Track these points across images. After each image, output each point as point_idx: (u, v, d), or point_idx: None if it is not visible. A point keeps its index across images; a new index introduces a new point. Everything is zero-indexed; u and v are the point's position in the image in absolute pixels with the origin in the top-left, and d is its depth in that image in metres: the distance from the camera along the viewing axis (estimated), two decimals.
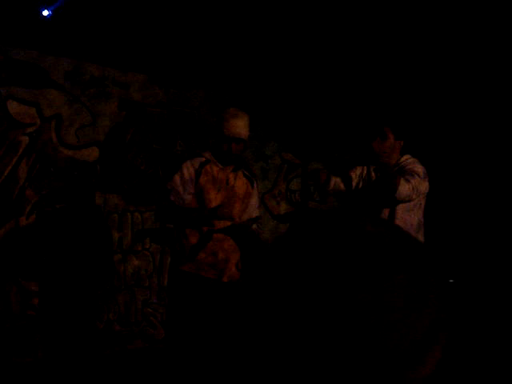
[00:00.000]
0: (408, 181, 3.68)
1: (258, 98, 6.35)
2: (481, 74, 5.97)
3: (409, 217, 3.83)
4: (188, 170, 3.81)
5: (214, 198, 3.78)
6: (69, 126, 5.19)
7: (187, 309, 3.68)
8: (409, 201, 3.75)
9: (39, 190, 5.01)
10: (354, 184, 4.08)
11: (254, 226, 3.95)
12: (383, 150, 3.87)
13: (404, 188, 3.64)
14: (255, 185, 4.06)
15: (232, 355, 3.64)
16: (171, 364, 3.70)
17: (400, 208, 3.81)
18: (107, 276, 5.32)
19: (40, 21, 4.88)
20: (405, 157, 3.97)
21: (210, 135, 3.98)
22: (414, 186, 3.68)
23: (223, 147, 3.77)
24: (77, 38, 5.12)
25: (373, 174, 4.01)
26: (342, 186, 4.11)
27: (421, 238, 3.90)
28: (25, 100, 4.98)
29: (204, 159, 3.84)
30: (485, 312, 5.41)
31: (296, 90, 6.51)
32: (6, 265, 4.89)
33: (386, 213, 3.84)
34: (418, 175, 3.76)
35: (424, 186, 3.79)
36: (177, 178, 3.80)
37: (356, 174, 4.12)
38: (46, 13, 4.84)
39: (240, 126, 3.81)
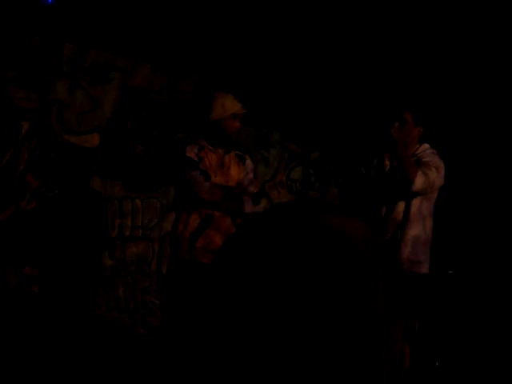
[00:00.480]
0: (426, 174, 3.58)
1: (260, 86, 6.32)
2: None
3: (422, 207, 3.75)
4: (193, 152, 3.85)
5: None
6: (70, 111, 5.17)
7: (187, 297, 3.69)
8: (423, 194, 3.68)
9: (40, 176, 5.00)
10: (362, 174, 4.00)
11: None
12: (402, 137, 3.69)
13: (421, 181, 3.56)
14: (247, 161, 4.10)
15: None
16: (170, 351, 3.71)
17: (415, 199, 3.72)
18: (104, 263, 5.32)
19: (43, 6, 4.84)
20: (424, 146, 3.84)
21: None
22: (431, 181, 3.60)
23: (230, 126, 3.84)
24: (79, 24, 5.08)
25: (387, 162, 3.87)
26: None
27: (430, 225, 3.84)
28: (26, 85, 4.96)
29: (198, 145, 3.89)
30: (484, 302, 5.41)
31: (299, 77, 6.47)
32: (6, 250, 4.88)
33: (400, 203, 3.74)
34: (436, 169, 3.66)
35: (440, 181, 3.71)
36: (191, 152, 3.84)
37: (368, 162, 4.02)
38: None
39: (235, 101, 3.97)
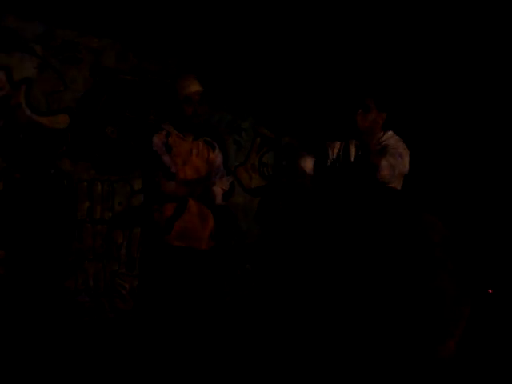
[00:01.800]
0: (390, 161, 3.53)
1: (232, 70, 6.28)
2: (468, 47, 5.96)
3: None
4: (161, 142, 3.77)
5: (183, 171, 3.76)
6: (39, 91, 5.06)
7: (167, 281, 3.66)
8: (388, 182, 3.59)
9: (8, 157, 4.90)
10: (329, 161, 3.97)
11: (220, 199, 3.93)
12: (366, 124, 3.68)
13: (386, 170, 3.49)
14: (216, 150, 4.05)
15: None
16: (141, 335, 3.69)
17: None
18: (73, 246, 5.27)
19: None
20: (388, 133, 3.81)
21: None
22: (396, 169, 3.56)
23: (187, 110, 3.76)
24: (50, 2, 4.97)
25: (352, 150, 3.83)
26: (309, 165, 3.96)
27: None
28: None
29: (166, 132, 3.82)
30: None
31: (271, 62, 6.45)
32: None
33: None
34: (401, 157, 3.63)
35: (404, 169, 3.67)
36: (159, 143, 3.76)
37: (333, 150, 3.94)
38: None
39: (197, 84, 3.84)
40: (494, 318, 5.07)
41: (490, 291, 5.51)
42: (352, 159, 3.83)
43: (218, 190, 3.90)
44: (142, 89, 5.74)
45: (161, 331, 3.66)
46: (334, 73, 6.46)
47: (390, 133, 3.81)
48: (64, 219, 5.19)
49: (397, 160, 3.59)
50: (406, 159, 3.68)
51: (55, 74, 5.15)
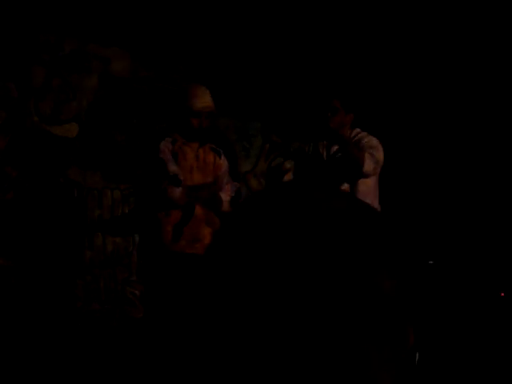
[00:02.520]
0: (372, 155, 3.68)
1: (241, 76, 6.29)
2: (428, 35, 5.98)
3: (367, 188, 3.82)
4: (168, 149, 3.78)
5: (190, 178, 3.77)
6: (48, 100, 5.09)
7: (173, 288, 3.66)
8: (373, 174, 3.76)
9: (18, 166, 4.92)
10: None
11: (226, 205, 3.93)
12: (334, 125, 3.81)
13: (370, 163, 3.64)
14: (222, 157, 4.05)
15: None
16: (151, 343, 3.70)
17: (359, 184, 3.81)
18: (84, 254, 5.28)
19: None
20: (355, 130, 3.93)
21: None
22: (377, 160, 3.69)
23: (193, 123, 3.76)
24: (59, 11, 5.00)
25: (321, 150, 3.98)
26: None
27: (377, 204, 3.89)
28: (4, 74, 4.87)
29: (172, 139, 3.82)
30: (464, 292, 5.47)
31: (279, 67, 6.45)
32: None
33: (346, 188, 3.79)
34: (377, 148, 3.76)
35: (383, 158, 3.80)
36: (166, 150, 3.76)
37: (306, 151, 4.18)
38: None
39: (208, 99, 3.83)
40: (506, 320, 5.04)
41: (502, 294, 5.49)
42: (325, 159, 3.93)
43: (225, 197, 3.90)
44: (149, 97, 5.76)
45: (171, 338, 3.66)
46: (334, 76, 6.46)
47: (358, 129, 3.96)
48: (74, 228, 5.21)
49: (377, 151, 3.74)
50: (382, 151, 3.82)
51: (64, 84, 5.18)
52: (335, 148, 3.92)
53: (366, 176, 3.73)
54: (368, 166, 3.64)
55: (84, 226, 5.30)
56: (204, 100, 3.83)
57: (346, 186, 3.80)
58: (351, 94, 4.05)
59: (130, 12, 5.56)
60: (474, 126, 6.00)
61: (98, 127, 5.40)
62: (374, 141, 3.82)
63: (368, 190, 3.81)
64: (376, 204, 3.83)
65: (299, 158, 4.17)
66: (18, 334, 4.65)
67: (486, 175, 6.00)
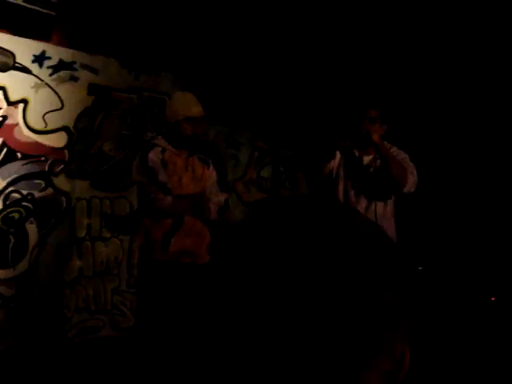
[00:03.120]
0: (413, 175, 3.53)
1: (229, 84, 6.30)
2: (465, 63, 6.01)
3: (389, 207, 3.71)
4: (158, 158, 3.77)
5: (179, 188, 3.76)
6: (36, 110, 5.07)
7: (166, 298, 3.65)
8: (410, 193, 3.61)
9: (6, 176, 4.90)
10: (332, 173, 3.87)
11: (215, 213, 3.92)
12: (377, 137, 3.64)
13: (412, 181, 3.50)
14: (211, 167, 4.06)
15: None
16: (143, 352, 3.68)
17: (390, 199, 3.69)
18: (73, 264, 5.25)
19: (8, 2, 4.74)
20: (393, 147, 3.78)
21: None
22: (417, 179, 3.55)
23: (187, 129, 3.76)
24: (45, 20, 4.99)
25: (366, 159, 3.78)
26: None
27: (393, 224, 3.79)
28: None
29: (161, 148, 3.81)
30: (453, 299, 5.48)
31: (267, 75, 6.47)
32: None
33: (363, 204, 3.68)
34: (413, 166, 3.62)
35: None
36: (155, 159, 3.75)
37: (332, 167, 3.88)
38: None
39: (200, 105, 3.86)
40: (496, 324, 5.06)
41: (492, 299, 5.51)
42: (364, 167, 3.77)
43: (213, 207, 3.90)
44: (138, 105, 5.75)
45: (162, 347, 3.64)
46: (329, 85, 6.49)
47: (387, 143, 3.79)
48: (63, 237, 5.18)
49: (414, 170, 3.59)
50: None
51: (52, 93, 5.16)
52: (378, 163, 3.73)
53: (405, 194, 3.60)
54: (410, 184, 3.50)
55: (73, 235, 5.27)
56: (198, 106, 3.87)
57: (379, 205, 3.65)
58: (386, 104, 3.92)
59: (119, 21, 5.56)
60: (466, 133, 6.04)
61: (86, 136, 5.39)
62: (407, 159, 3.68)
63: (389, 211, 3.69)
64: (389, 226, 3.71)
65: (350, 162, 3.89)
66: (6, 342, 4.62)
67: (474, 180, 6.04)
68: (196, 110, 3.84)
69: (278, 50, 6.38)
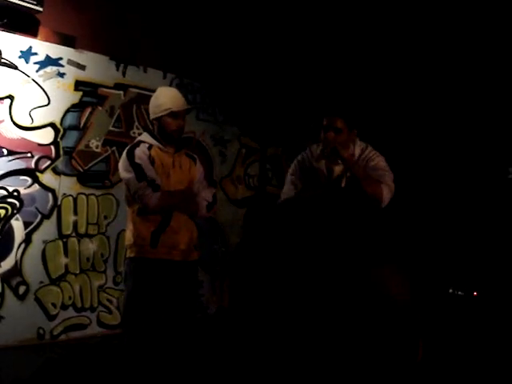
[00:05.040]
0: (388, 185, 3.40)
1: (216, 81, 6.30)
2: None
3: None
4: (145, 154, 3.76)
5: (167, 184, 3.75)
6: (22, 106, 5.04)
7: (155, 296, 3.64)
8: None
9: None
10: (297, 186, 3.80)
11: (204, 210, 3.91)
12: (338, 141, 3.50)
13: (388, 195, 3.36)
14: (197, 163, 4.06)
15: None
16: (130, 350, 3.67)
17: None
18: (59, 261, 5.23)
19: None
20: (359, 145, 3.65)
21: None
22: (392, 188, 3.42)
23: (172, 125, 3.75)
24: (32, 16, 4.96)
25: (323, 165, 3.66)
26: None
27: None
28: None
29: (148, 144, 3.80)
30: (437, 293, 5.53)
31: (255, 73, 6.48)
32: None
33: None
34: (387, 171, 3.49)
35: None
36: (143, 156, 3.73)
37: (298, 176, 3.84)
38: None
39: (181, 98, 3.86)
40: (479, 320, 5.11)
41: (475, 294, 5.56)
42: (335, 177, 3.66)
43: (202, 202, 3.89)
44: (125, 101, 5.73)
45: (149, 344, 3.64)
46: (313, 84, 6.51)
47: (361, 144, 3.67)
48: (49, 234, 5.16)
49: (389, 177, 3.46)
50: (390, 171, 3.56)
51: (39, 89, 5.13)
52: (349, 173, 3.54)
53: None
54: (386, 199, 3.34)
55: (59, 232, 5.24)
56: (182, 99, 3.88)
57: None
58: (352, 110, 3.73)
59: (106, 16, 5.54)
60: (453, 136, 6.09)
61: (74, 133, 5.36)
62: (382, 162, 3.53)
63: None
64: None
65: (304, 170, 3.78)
66: None
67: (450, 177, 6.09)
68: (181, 103, 3.85)
69: (266, 48, 6.39)
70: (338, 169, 3.66)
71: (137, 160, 3.69)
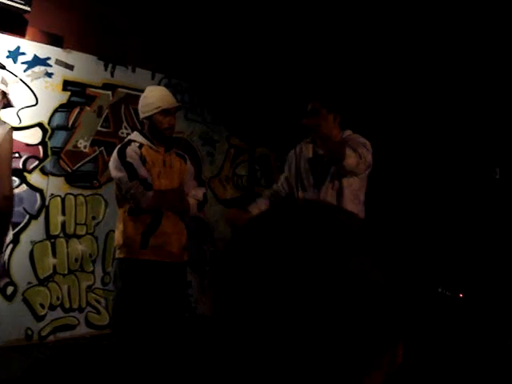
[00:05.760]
0: (354, 150, 3.40)
1: (205, 81, 6.30)
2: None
3: (356, 200, 3.60)
4: (136, 153, 3.75)
5: (158, 183, 3.74)
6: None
7: (145, 296, 3.64)
8: (357, 172, 3.51)
9: None
10: (291, 172, 3.86)
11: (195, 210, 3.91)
12: (310, 123, 3.56)
13: (351, 156, 3.36)
14: (188, 162, 4.06)
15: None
16: (119, 350, 3.67)
17: (347, 191, 3.57)
18: (47, 261, 5.21)
19: None
20: (346, 132, 3.74)
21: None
22: (362, 155, 3.42)
23: (163, 123, 3.75)
24: (20, 15, 4.94)
25: (309, 148, 3.77)
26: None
27: (362, 212, 3.74)
28: None
29: (138, 143, 3.80)
30: (421, 294, 5.56)
31: (243, 73, 6.48)
32: None
33: (333, 196, 3.59)
34: (364, 146, 3.51)
35: (370, 157, 3.54)
36: (134, 155, 3.72)
37: (289, 162, 3.90)
38: None
39: (170, 96, 3.87)
40: (464, 322, 5.15)
41: (460, 295, 5.59)
42: (311, 156, 3.76)
43: (193, 201, 3.89)
44: (113, 101, 5.73)
45: (138, 344, 3.64)
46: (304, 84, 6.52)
47: (348, 131, 3.76)
48: (37, 234, 5.14)
49: (362, 148, 3.47)
50: (370, 149, 3.57)
51: (26, 89, 5.11)
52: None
53: (351, 172, 3.48)
54: (350, 159, 3.34)
55: (47, 232, 5.23)
56: (171, 97, 3.88)
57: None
58: (332, 94, 3.80)
59: (95, 16, 5.52)
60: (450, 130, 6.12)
61: (62, 133, 5.34)
62: (362, 139, 3.59)
63: (353, 199, 3.57)
64: (361, 207, 3.63)
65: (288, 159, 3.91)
66: None
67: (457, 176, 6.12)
68: (171, 100, 3.85)
69: (255, 48, 6.40)
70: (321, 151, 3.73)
71: (128, 159, 3.68)
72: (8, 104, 3.89)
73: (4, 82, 3.88)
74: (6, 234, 3.72)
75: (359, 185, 3.66)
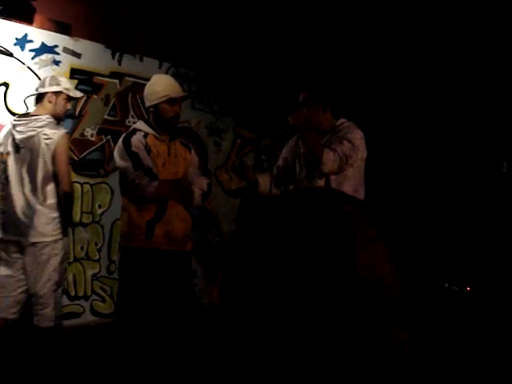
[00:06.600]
0: (334, 150, 3.39)
1: (212, 71, 6.28)
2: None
3: (343, 187, 3.50)
4: (141, 143, 3.75)
5: (163, 173, 3.74)
6: (17, 94, 5.01)
7: (149, 286, 3.64)
8: (339, 172, 3.48)
9: None
10: (288, 160, 3.89)
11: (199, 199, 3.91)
12: (301, 120, 3.53)
13: (329, 158, 3.35)
14: (192, 151, 4.05)
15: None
16: (123, 338, 3.69)
17: (334, 179, 3.52)
18: None
19: None
20: (340, 121, 3.71)
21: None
22: (342, 155, 3.39)
23: (169, 111, 3.74)
24: (28, 3, 4.93)
25: (300, 144, 3.73)
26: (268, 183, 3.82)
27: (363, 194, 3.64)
28: None
29: (143, 133, 3.79)
30: (429, 288, 5.55)
31: (251, 63, 6.46)
32: None
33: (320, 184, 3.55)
34: (350, 141, 3.47)
35: (357, 154, 3.50)
36: (139, 144, 3.71)
37: (288, 149, 3.93)
38: None
39: (177, 85, 3.86)
40: (471, 315, 5.14)
41: (468, 289, 5.59)
42: (300, 154, 3.75)
43: (197, 191, 3.88)
44: (121, 90, 5.72)
45: (142, 333, 3.66)
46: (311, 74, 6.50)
47: (342, 120, 3.73)
48: None
49: (345, 145, 3.44)
50: (358, 142, 3.54)
51: (34, 77, 5.10)
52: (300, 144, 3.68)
53: (330, 173, 3.47)
54: (327, 161, 3.34)
55: None
56: (178, 86, 3.87)
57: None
58: (322, 85, 3.81)
59: (103, 4, 5.51)
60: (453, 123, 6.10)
61: (68, 121, 5.34)
62: (350, 134, 3.52)
63: (339, 187, 3.46)
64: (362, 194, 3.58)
65: (271, 153, 4.01)
66: None
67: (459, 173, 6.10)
68: (178, 89, 3.84)
69: (263, 38, 6.37)
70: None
71: (133, 148, 3.67)
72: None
73: (56, 83, 3.93)
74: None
75: (347, 176, 3.60)
